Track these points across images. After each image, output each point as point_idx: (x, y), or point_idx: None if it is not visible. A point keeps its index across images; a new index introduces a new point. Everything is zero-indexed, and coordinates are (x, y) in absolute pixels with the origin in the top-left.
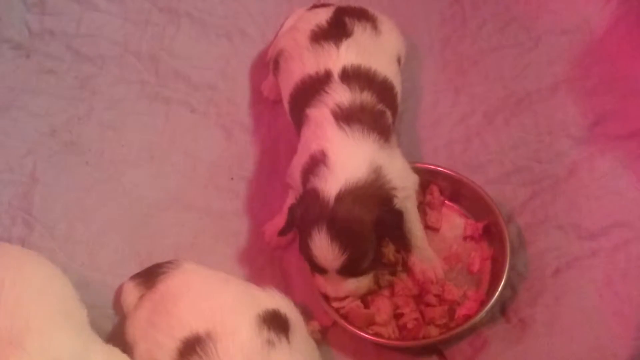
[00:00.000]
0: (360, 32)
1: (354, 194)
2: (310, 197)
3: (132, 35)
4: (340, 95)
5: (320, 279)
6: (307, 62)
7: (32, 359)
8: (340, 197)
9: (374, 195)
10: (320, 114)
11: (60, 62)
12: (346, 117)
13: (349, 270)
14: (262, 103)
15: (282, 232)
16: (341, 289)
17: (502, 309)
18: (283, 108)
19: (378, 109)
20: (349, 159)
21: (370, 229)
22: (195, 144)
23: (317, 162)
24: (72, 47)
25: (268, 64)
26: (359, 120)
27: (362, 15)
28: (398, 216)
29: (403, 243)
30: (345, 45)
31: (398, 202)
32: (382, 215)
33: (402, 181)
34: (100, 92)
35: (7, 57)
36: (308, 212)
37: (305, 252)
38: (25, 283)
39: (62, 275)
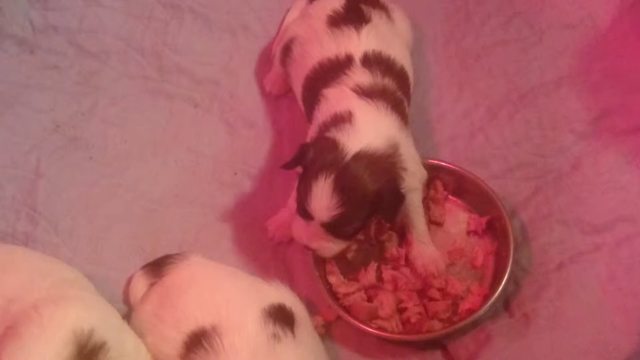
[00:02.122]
0: (378, 19)
1: (369, 159)
2: (327, 144)
3: (135, 31)
4: (361, 77)
5: (299, 224)
6: (326, 45)
7: (77, 312)
8: (358, 156)
9: (386, 169)
10: (340, 91)
11: (64, 57)
12: (368, 94)
13: (332, 227)
14: (265, 98)
15: (287, 166)
16: (315, 241)
17: (506, 303)
18: (286, 103)
19: (398, 95)
20: (373, 125)
21: (370, 199)
22: (198, 139)
23: (341, 119)
24: (75, 42)
25: (271, 59)
26: (383, 98)
27: (376, 2)
28: (399, 198)
29: (392, 222)
30: (365, 30)
31: (404, 186)
32: (383, 190)
33: (414, 166)
34: (104, 87)
35: (10, 53)
36: (321, 157)
37: (303, 193)
38: (56, 271)
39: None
